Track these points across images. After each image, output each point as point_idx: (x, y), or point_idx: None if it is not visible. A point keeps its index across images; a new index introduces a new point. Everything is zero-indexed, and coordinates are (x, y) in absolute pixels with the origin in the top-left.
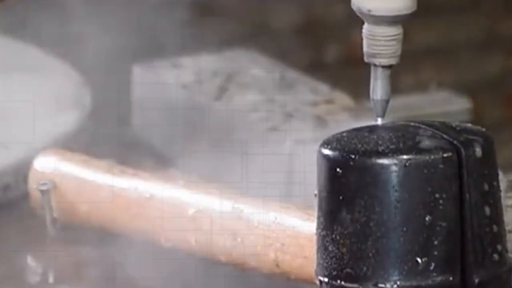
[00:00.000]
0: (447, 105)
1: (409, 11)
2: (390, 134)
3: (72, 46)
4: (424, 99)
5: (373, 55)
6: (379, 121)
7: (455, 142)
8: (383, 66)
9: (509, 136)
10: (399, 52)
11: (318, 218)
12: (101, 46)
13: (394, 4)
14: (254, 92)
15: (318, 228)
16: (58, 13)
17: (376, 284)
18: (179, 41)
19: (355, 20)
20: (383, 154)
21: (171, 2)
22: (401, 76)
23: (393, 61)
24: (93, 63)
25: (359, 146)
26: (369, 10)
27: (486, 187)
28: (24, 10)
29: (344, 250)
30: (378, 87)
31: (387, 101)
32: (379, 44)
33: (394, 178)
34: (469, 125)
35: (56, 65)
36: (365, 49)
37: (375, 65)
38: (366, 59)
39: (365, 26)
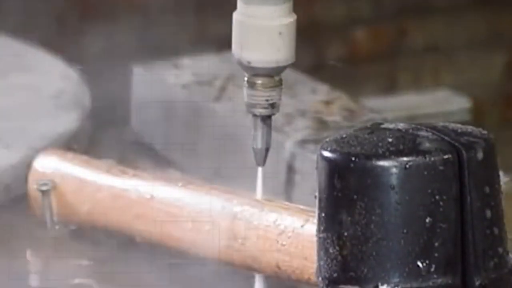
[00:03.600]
0: (446, 104)
1: (287, 63)
2: (391, 136)
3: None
4: (424, 98)
5: (253, 106)
6: (260, 170)
7: (456, 144)
8: (263, 116)
9: (509, 136)
10: (279, 103)
11: (319, 220)
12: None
13: (273, 56)
14: None
15: (318, 230)
16: None
17: (376, 286)
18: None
19: (356, 20)
20: (384, 156)
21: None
22: (400, 76)
23: (272, 112)
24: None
25: (359, 148)
26: (249, 62)
27: (487, 189)
28: None
29: (345, 252)
30: (258, 136)
31: (267, 150)
32: (259, 95)
33: (394, 180)
34: (471, 127)
35: (56, 65)
36: (245, 99)
37: (255, 115)
38: (247, 110)
39: (245, 77)
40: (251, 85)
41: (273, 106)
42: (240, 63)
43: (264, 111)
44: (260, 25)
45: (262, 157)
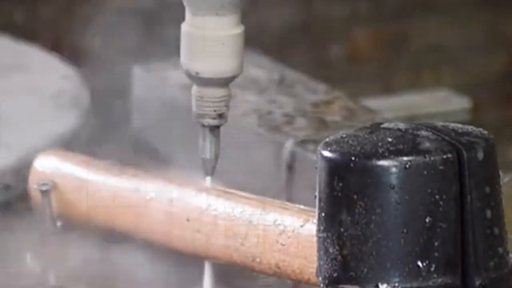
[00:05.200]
0: (446, 104)
1: (235, 74)
2: (391, 136)
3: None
4: (424, 98)
5: (202, 116)
6: (208, 179)
7: (456, 144)
8: (211, 127)
9: (509, 136)
10: (227, 113)
11: (319, 219)
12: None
13: (221, 67)
14: (254, 92)
15: (318, 229)
16: None
17: (376, 286)
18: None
19: (356, 20)
20: (383, 156)
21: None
22: (401, 76)
23: (220, 122)
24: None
25: (359, 147)
26: (197, 73)
27: (487, 189)
28: None
29: (345, 251)
30: (207, 146)
31: (216, 160)
32: (207, 105)
33: (394, 180)
34: (471, 127)
35: (56, 65)
36: (193, 109)
37: (203, 126)
38: (195, 120)
39: (194, 87)
40: (199, 95)
41: (221, 116)
42: (188, 73)
43: (212, 121)
44: (208, 36)
45: (211, 167)
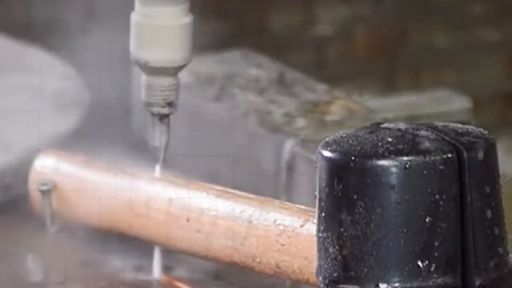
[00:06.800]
0: (446, 104)
1: (184, 63)
2: (391, 136)
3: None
4: (424, 98)
5: (151, 105)
6: (158, 168)
7: (456, 144)
8: (161, 115)
9: (509, 137)
10: (176, 102)
11: (319, 219)
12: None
13: (170, 56)
14: (254, 92)
15: (318, 229)
16: None
17: (376, 286)
18: None
19: (356, 20)
20: (383, 156)
21: None
22: (401, 76)
23: (169, 110)
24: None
25: (359, 147)
26: (147, 62)
27: (487, 189)
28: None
29: (345, 251)
30: (156, 135)
31: (165, 148)
32: (156, 94)
33: (394, 180)
34: (471, 127)
35: (56, 65)
36: (143, 98)
37: (153, 114)
38: (145, 109)
39: (143, 76)
40: (149, 84)
41: (170, 105)
42: (138, 62)
43: (162, 110)
44: (157, 26)
45: (161, 155)
